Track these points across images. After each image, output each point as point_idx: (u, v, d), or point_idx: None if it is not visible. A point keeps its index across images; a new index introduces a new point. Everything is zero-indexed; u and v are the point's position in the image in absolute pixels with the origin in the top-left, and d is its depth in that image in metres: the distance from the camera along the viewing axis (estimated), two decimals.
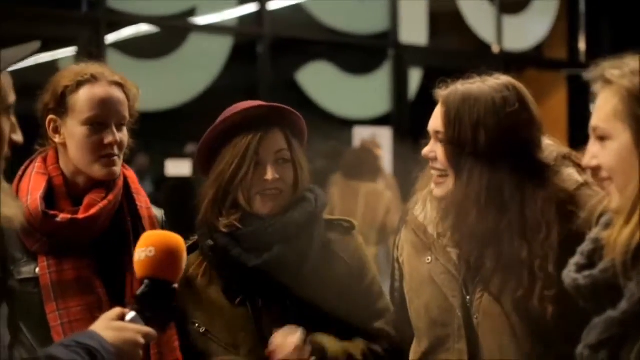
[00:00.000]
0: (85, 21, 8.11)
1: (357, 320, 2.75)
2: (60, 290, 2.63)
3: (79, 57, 7.77)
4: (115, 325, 2.05)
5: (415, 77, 10.31)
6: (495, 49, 10.95)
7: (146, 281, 2.16)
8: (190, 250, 2.67)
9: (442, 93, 2.62)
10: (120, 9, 8.16)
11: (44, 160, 2.76)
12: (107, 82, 2.70)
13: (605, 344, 1.96)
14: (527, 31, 11.44)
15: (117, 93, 2.71)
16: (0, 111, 1.83)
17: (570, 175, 2.57)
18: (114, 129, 2.68)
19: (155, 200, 3.00)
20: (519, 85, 2.61)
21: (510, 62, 10.76)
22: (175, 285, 2.18)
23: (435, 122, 2.61)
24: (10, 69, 1.91)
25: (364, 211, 6.95)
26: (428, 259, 2.67)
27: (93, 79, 2.69)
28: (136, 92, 2.78)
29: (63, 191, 2.70)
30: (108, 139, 2.67)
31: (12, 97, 1.88)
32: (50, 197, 2.68)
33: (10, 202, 1.88)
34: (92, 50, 7.61)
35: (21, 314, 2.67)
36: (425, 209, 2.73)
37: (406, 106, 10.14)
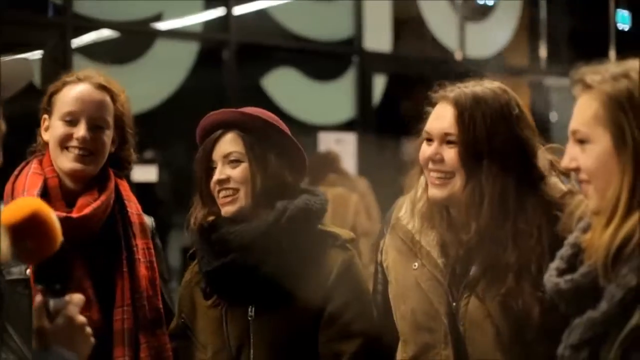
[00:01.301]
0: (51, 26, 8.08)
1: (323, 337, 2.73)
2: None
3: (45, 62, 7.76)
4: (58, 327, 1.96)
5: (379, 83, 10.35)
6: (458, 55, 11.02)
7: (32, 267, 2.07)
8: (193, 255, 2.85)
9: (448, 95, 2.62)
10: (87, 13, 8.12)
11: (40, 162, 2.82)
12: (89, 83, 2.79)
13: (586, 344, 1.99)
14: (489, 38, 11.52)
15: (96, 94, 2.79)
16: None
17: (556, 183, 2.60)
18: (85, 126, 2.74)
19: None
20: (510, 90, 2.65)
21: (473, 69, 10.82)
22: (60, 242, 1.95)
23: (443, 123, 2.60)
24: None
25: (332, 215, 7.00)
26: (415, 265, 2.68)
27: (77, 79, 2.80)
28: (124, 97, 2.83)
29: (57, 192, 2.76)
30: (78, 133, 2.74)
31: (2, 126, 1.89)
32: (45, 197, 2.71)
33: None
34: (58, 55, 7.61)
35: (9, 315, 2.69)
36: (413, 214, 2.73)
37: (370, 112, 10.19)
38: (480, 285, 2.57)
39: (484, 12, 11.49)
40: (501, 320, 2.53)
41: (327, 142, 9.47)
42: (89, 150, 2.77)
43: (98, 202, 2.75)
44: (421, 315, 2.65)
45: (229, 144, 2.76)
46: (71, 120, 2.76)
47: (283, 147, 2.80)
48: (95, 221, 2.74)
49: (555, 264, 2.14)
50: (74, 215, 2.71)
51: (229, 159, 2.75)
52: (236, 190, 2.75)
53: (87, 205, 2.74)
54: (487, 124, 2.54)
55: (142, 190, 8.14)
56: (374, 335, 2.74)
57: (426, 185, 2.67)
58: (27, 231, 1.88)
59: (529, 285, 2.49)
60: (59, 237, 1.94)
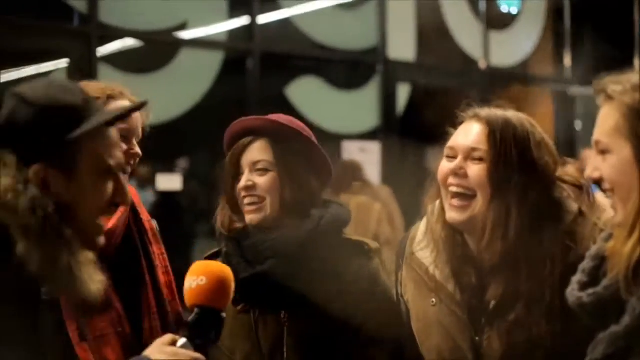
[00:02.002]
0: (77, 35, 8.13)
1: (352, 343, 2.73)
2: (83, 308, 2.63)
3: (70, 70, 7.81)
4: (168, 349, 2.08)
5: (403, 92, 10.35)
6: (482, 64, 11.01)
7: (197, 309, 2.19)
8: (214, 257, 2.82)
9: (479, 113, 2.62)
10: (112, 23, 8.17)
11: None
12: (130, 100, 2.79)
13: (610, 359, 1.98)
14: (513, 47, 11.50)
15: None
16: (93, 170, 1.89)
17: (570, 206, 2.58)
18: (134, 142, 2.78)
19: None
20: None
21: (497, 78, 10.82)
22: (224, 315, 2.22)
23: (469, 138, 2.59)
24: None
25: (355, 223, 6.99)
26: (432, 301, 2.65)
27: (120, 95, 2.79)
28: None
29: None
30: (132, 150, 2.77)
31: (112, 159, 1.94)
32: None
33: (97, 275, 1.90)
34: (84, 64, 7.66)
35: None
36: (429, 242, 2.71)
37: (394, 121, 10.20)
38: (502, 314, 2.54)
39: (508, 20, 11.48)
40: (524, 351, 2.51)
41: (351, 151, 9.48)
42: (133, 166, 2.83)
43: (119, 214, 2.74)
44: (446, 351, 2.64)
45: (257, 151, 2.76)
46: (123, 137, 2.72)
47: (310, 156, 2.80)
48: (118, 233, 2.75)
49: (577, 277, 2.12)
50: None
51: (257, 167, 2.75)
52: (262, 199, 2.75)
53: (108, 219, 2.71)
54: (516, 145, 2.54)
55: (166, 198, 8.19)
56: (404, 343, 2.76)
57: (442, 209, 2.65)
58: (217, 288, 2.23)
59: (547, 311, 2.47)
60: (228, 302, 2.27)
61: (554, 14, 11.99)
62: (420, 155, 10.52)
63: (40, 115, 1.81)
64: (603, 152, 2.05)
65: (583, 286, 2.09)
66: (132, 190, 2.92)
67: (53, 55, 7.97)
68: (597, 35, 11.50)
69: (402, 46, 10.31)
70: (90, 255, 1.91)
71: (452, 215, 2.58)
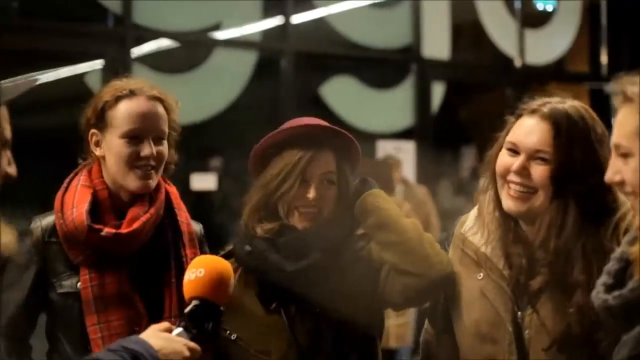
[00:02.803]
0: (112, 36, 8.19)
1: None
2: (101, 304, 2.67)
3: (105, 72, 7.84)
4: (163, 335, 2.12)
5: (438, 91, 10.31)
6: (518, 62, 10.95)
7: (195, 301, 2.23)
8: (225, 258, 2.73)
9: (542, 109, 2.58)
10: (146, 24, 8.21)
11: (89, 173, 2.80)
12: (145, 97, 2.75)
13: None
14: (549, 45, 11.43)
15: (155, 107, 2.75)
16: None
17: (623, 201, 2.53)
18: (151, 142, 2.72)
19: None
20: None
21: (532, 76, 10.75)
22: (222, 309, 2.26)
23: (534, 138, 2.56)
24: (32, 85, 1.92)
25: None
26: (480, 275, 2.66)
27: (131, 93, 2.74)
28: (175, 106, 2.81)
29: (107, 204, 2.75)
30: (144, 151, 2.71)
31: (7, 132, 1.89)
32: (94, 209, 2.72)
33: (7, 229, 1.89)
34: (118, 65, 7.69)
35: (61, 325, 2.74)
36: (480, 230, 2.71)
37: (429, 120, 10.15)
38: (545, 297, 2.55)
39: (544, 18, 11.41)
40: (566, 333, 2.50)
41: (385, 150, 9.45)
42: (153, 165, 2.75)
43: (147, 215, 2.73)
44: (485, 326, 2.63)
45: (327, 164, 2.74)
46: (136, 137, 2.72)
47: (355, 163, 2.83)
48: (145, 234, 2.74)
49: (603, 279, 2.10)
50: (123, 231, 2.69)
51: (325, 178, 2.74)
52: (320, 210, 2.73)
53: (136, 219, 2.72)
54: (581, 145, 2.52)
55: (201, 198, 8.20)
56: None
57: (496, 198, 2.65)
58: (217, 285, 2.29)
59: (582, 305, 2.45)
60: (227, 298, 2.33)
61: (590, 11, 11.89)
62: (455, 153, 10.48)
63: None
64: (624, 155, 2.01)
65: (608, 288, 2.07)
66: (173, 191, 2.91)
67: (88, 57, 8.01)
68: (634, 32, 11.41)
69: (437, 44, 10.28)
70: None
71: (509, 204, 2.59)
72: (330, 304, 2.69)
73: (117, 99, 2.74)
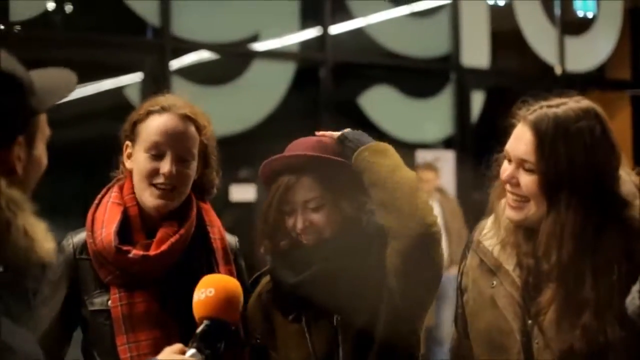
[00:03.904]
0: (150, 48, 8.22)
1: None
2: (130, 324, 2.66)
3: (144, 84, 7.89)
4: (177, 357, 2.12)
5: (477, 100, 10.27)
6: (558, 70, 10.89)
7: (206, 321, 2.23)
8: (260, 277, 2.90)
9: (528, 116, 2.54)
10: (185, 36, 8.24)
11: (121, 189, 2.79)
12: (175, 114, 2.73)
13: None
14: (589, 52, 11.35)
15: (183, 125, 2.73)
16: (44, 142, 1.83)
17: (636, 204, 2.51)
18: (171, 160, 2.69)
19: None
20: (599, 109, 2.55)
21: (573, 84, 10.68)
22: (233, 327, 2.27)
23: (521, 148, 2.53)
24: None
25: None
26: (493, 283, 2.64)
27: (162, 109, 2.73)
28: (209, 127, 2.79)
29: (138, 222, 2.74)
30: (163, 168, 2.69)
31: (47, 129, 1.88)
32: (125, 227, 2.71)
33: (50, 236, 1.88)
34: (157, 77, 7.73)
35: (94, 342, 2.75)
36: (495, 232, 2.70)
37: (469, 129, 10.11)
38: (552, 312, 2.50)
39: (584, 25, 11.33)
40: (569, 353, 2.46)
41: (425, 160, 9.43)
42: (173, 185, 2.72)
43: (177, 237, 2.71)
44: (496, 334, 2.61)
45: (306, 190, 2.73)
46: (157, 154, 2.71)
47: (347, 175, 2.75)
48: (174, 255, 2.72)
49: (638, 286, 2.11)
50: (151, 253, 2.67)
51: (308, 205, 2.73)
52: (320, 231, 2.74)
53: (166, 240, 2.69)
54: (567, 154, 2.45)
55: (240, 209, 8.21)
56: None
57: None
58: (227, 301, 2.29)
59: (607, 320, 2.41)
60: (237, 316, 2.33)
61: (632, 16, 11.80)
62: (495, 163, 10.42)
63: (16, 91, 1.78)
64: None
65: None
66: (205, 206, 2.89)
67: (128, 69, 8.07)
68: None
69: (476, 53, 10.24)
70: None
71: (509, 213, 2.59)
72: (345, 315, 2.70)
73: (149, 113, 2.74)
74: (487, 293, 2.65)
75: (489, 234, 2.72)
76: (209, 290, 2.28)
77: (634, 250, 2.42)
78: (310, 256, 2.73)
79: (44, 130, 1.82)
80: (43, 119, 1.82)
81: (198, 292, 2.29)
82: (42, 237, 1.77)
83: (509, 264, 2.62)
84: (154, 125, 2.72)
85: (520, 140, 2.53)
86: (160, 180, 2.70)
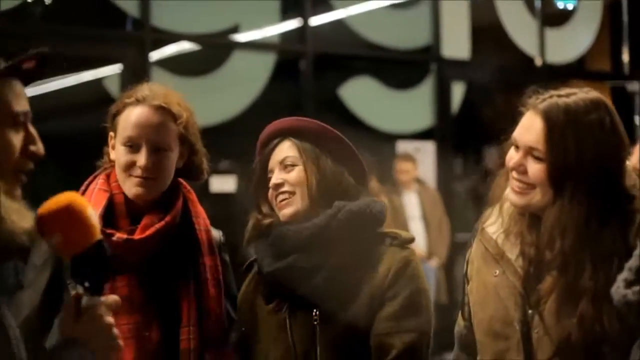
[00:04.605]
0: (130, 40, 8.21)
1: (376, 329, 2.68)
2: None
3: (124, 75, 7.86)
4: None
5: (458, 91, 10.28)
6: (538, 61, 10.91)
7: (67, 263, 1.94)
8: (250, 265, 2.90)
9: (538, 105, 2.54)
10: (164, 27, 8.23)
11: (107, 177, 2.80)
12: (148, 106, 2.73)
13: None
14: (569, 43, 11.38)
15: (156, 117, 2.72)
16: (5, 121, 1.79)
17: None
18: (145, 152, 2.70)
19: None
20: (608, 101, 2.56)
21: (553, 75, 10.70)
22: (97, 239, 1.92)
23: (529, 135, 2.53)
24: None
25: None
26: (495, 272, 2.64)
27: (136, 101, 2.73)
28: (188, 115, 2.78)
29: (123, 209, 2.74)
30: (139, 161, 2.70)
31: (19, 105, 1.82)
32: (110, 214, 2.71)
33: (29, 215, 1.81)
34: (137, 69, 7.71)
35: None
36: (498, 220, 2.70)
37: (449, 120, 10.12)
38: (551, 301, 2.51)
39: (564, 16, 11.35)
40: (566, 342, 2.47)
41: (404, 151, 9.44)
42: (151, 176, 2.72)
43: (162, 223, 2.72)
44: (498, 323, 2.62)
45: (284, 150, 2.80)
46: (132, 146, 2.71)
47: (340, 153, 2.81)
48: (158, 241, 2.72)
49: (624, 275, 2.10)
50: (136, 237, 2.68)
51: (284, 164, 2.78)
52: (292, 193, 2.75)
53: (150, 226, 2.71)
54: (577, 144, 2.46)
55: (220, 200, 8.20)
56: (427, 332, 2.72)
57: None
58: (58, 223, 1.88)
59: (604, 310, 2.41)
60: (92, 233, 1.91)
61: (611, 9, 11.84)
62: (475, 154, 10.44)
63: None
64: None
65: (629, 284, 2.07)
66: (191, 197, 2.90)
67: (107, 61, 8.05)
68: None
69: (456, 44, 10.25)
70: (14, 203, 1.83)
71: (512, 198, 2.59)
72: (323, 310, 2.68)
73: (125, 105, 2.75)
74: (489, 283, 2.66)
75: (493, 222, 2.73)
76: (55, 238, 1.89)
77: (634, 244, 2.40)
78: (287, 240, 2.72)
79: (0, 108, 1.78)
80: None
81: (49, 244, 1.95)
82: (12, 216, 1.74)
83: (512, 253, 2.63)
84: (129, 118, 2.73)
85: (530, 128, 2.53)
86: (137, 172, 2.71)
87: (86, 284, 1.92)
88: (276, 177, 2.78)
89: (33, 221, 1.81)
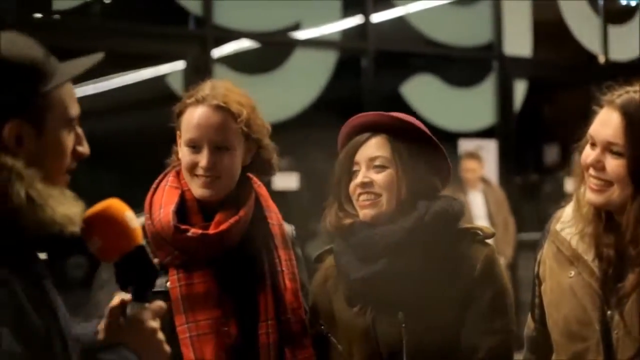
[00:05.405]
0: (193, 37, 8.26)
1: (464, 330, 2.67)
2: (189, 304, 2.67)
3: (187, 72, 7.92)
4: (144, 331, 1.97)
5: (520, 89, 10.21)
6: (601, 59, 10.79)
7: (114, 267, 1.97)
8: (325, 255, 2.88)
9: (615, 100, 2.54)
10: (227, 25, 8.27)
11: (178, 174, 2.82)
12: (208, 105, 2.72)
13: None
14: (633, 41, 11.23)
15: (216, 116, 2.72)
16: (60, 123, 1.83)
17: None
18: (207, 152, 2.70)
19: None
20: None
21: (616, 73, 10.55)
22: (138, 243, 1.96)
23: (607, 130, 2.52)
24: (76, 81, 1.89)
25: None
26: (571, 273, 2.63)
27: (197, 101, 2.74)
28: (249, 112, 2.77)
29: (195, 205, 2.75)
30: (201, 162, 2.70)
31: (74, 110, 1.86)
32: (182, 211, 2.73)
33: (72, 202, 1.82)
34: (200, 66, 7.76)
35: None
36: (576, 220, 2.67)
37: (511, 118, 10.05)
38: (633, 299, 2.49)
39: (628, 13, 11.21)
40: None
41: (468, 149, 9.39)
42: (215, 175, 2.73)
43: (236, 218, 2.72)
44: (574, 324, 2.60)
45: (375, 147, 2.72)
46: (194, 147, 2.72)
47: (429, 155, 2.75)
48: (233, 236, 2.73)
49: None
50: (210, 232, 2.69)
51: (374, 163, 2.71)
52: (378, 195, 2.70)
53: (224, 221, 2.71)
54: None
55: (282, 198, 8.24)
56: (513, 331, 2.69)
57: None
58: (95, 227, 1.91)
59: None
60: (131, 237, 1.95)
61: None
62: (537, 152, 10.36)
63: (9, 71, 1.79)
64: None
65: None
66: (263, 192, 2.91)
67: (170, 58, 8.10)
68: None
69: (519, 42, 10.17)
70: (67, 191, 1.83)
71: (590, 196, 2.56)
72: (411, 312, 2.64)
73: (186, 105, 2.76)
74: (565, 283, 2.64)
75: (568, 223, 2.70)
76: (95, 242, 1.92)
77: None
78: (375, 244, 2.67)
79: (60, 113, 1.83)
80: (59, 101, 1.82)
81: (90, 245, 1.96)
82: (55, 202, 1.75)
83: (588, 255, 2.61)
84: (190, 119, 2.73)
85: (607, 124, 2.52)
86: (200, 172, 2.72)
87: (130, 289, 1.95)
88: (364, 175, 2.72)
89: (81, 209, 1.84)
